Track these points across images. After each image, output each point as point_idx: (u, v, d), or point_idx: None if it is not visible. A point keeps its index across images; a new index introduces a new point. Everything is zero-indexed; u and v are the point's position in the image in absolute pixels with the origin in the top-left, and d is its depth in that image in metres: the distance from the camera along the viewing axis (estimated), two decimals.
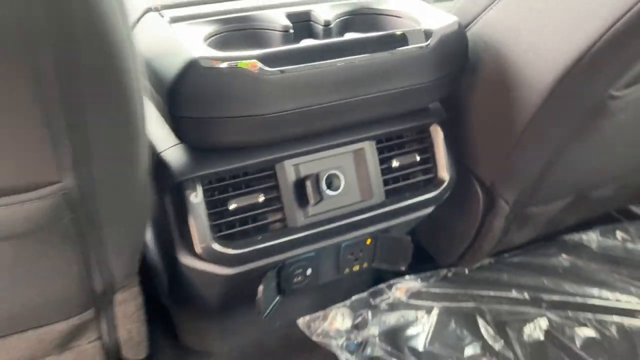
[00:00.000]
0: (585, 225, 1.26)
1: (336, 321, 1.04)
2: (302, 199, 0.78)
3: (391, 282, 1.10)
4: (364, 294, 1.08)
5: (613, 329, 1.02)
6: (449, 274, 1.14)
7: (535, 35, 0.75)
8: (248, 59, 0.62)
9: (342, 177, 0.79)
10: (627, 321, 1.03)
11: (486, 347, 1.00)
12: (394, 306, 1.07)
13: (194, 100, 0.64)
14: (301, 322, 1.04)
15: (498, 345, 1.00)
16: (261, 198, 0.76)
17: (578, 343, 1.01)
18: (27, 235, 0.55)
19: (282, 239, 0.78)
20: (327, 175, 0.78)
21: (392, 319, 1.04)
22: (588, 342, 1.01)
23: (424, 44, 0.73)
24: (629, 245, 1.24)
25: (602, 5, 0.68)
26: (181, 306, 0.95)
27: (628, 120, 0.84)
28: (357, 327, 1.03)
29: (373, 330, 1.02)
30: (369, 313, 1.05)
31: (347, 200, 0.82)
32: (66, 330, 0.70)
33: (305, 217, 0.79)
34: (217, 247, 0.73)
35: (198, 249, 0.73)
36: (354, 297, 1.07)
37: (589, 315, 1.06)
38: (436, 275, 1.13)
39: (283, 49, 0.68)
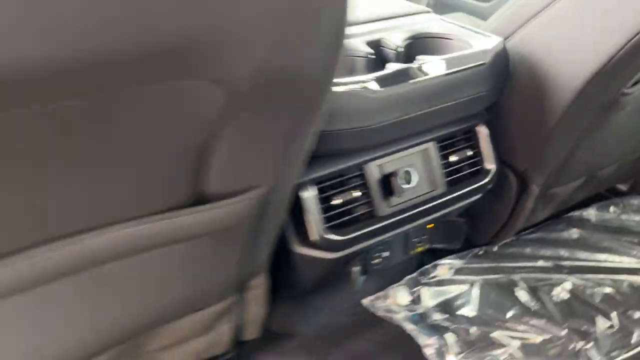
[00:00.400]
0: (583, 204, 1.48)
1: (396, 298, 1.21)
2: (385, 193, 0.95)
3: (435, 262, 1.28)
4: (414, 274, 1.26)
5: (624, 285, 1.23)
6: (481, 252, 1.33)
7: (565, 49, 0.95)
8: (365, 81, 0.79)
9: (414, 172, 0.97)
10: (635, 278, 1.25)
11: (524, 309, 1.19)
12: (441, 282, 1.24)
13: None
14: (366, 301, 1.21)
15: (534, 306, 1.19)
16: (355, 193, 0.92)
17: (597, 299, 1.21)
18: (213, 234, 0.69)
19: (373, 226, 0.95)
20: (403, 171, 0.96)
21: (441, 292, 1.22)
22: (605, 298, 1.21)
23: (483, 62, 0.92)
24: (623, 216, 1.47)
25: (620, 25, 0.88)
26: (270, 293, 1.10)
27: (632, 111, 1.05)
28: (413, 301, 1.21)
29: (428, 302, 1.20)
30: (422, 289, 1.22)
31: (418, 192, 0.99)
32: (214, 314, 0.85)
33: (388, 208, 0.96)
34: (327, 235, 0.89)
35: (313, 238, 0.89)
36: (406, 278, 1.25)
37: (602, 276, 1.26)
38: (471, 254, 1.31)
39: (390, 71, 0.85)
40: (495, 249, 1.33)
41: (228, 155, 0.57)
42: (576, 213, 1.46)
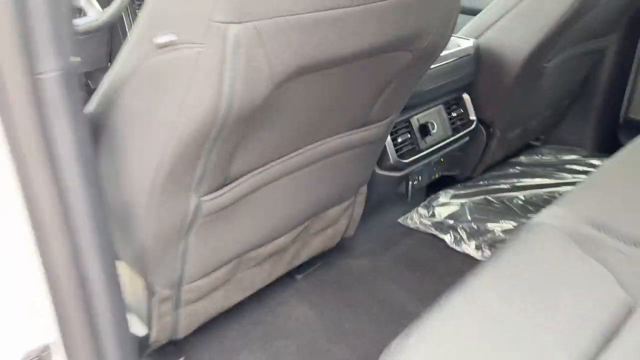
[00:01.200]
0: (516, 155, 2.20)
1: (420, 215, 1.84)
2: (422, 135, 1.58)
3: (437, 193, 1.93)
4: (426, 202, 1.89)
5: (548, 194, 1.94)
6: (464, 184, 1.99)
7: (511, 42, 1.64)
8: None
9: (435, 123, 1.62)
10: (553, 189, 1.96)
11: (498, 211, 1.86)
12: (444, 204, 1.89)
13: None
14: (401, 220, 1.82)
15: (503, 209, 1.86)
16: (408, 136, 1.55)
17: (539, 201, 1.91)
18: (366, 145, 1.27)
19: (417, 156, 1.57)
20: (429, 122, 1.60)
21: (448, 210, 1.86)
22: (540, 200, 1.91)
23: (468, 54, 1.59)
24: (543, 158, 2.21)
25: (542, 24, 1.57)
26: None
27: (548, 79, 1.77)
28: (432, 216, 1.84)
29: (441, 215, 1.83)
30: (435, 208, 1.86)
31: (437, 136, 1.63)
32: (341, 210, 1.42)
33: (425, 144, 1.59)
34: (396, 160, 1.51)
35: (390, 162, 1.49)
36: (422, 203, 1.88)
37: (537, 190, 1.97)
38: (458, 185, 1.97)
39: None
40: (472, 182, 2.01)
41: (390, 94, 1.17)
42: (514, 159, 2.19)
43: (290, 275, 1.55)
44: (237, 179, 0.99)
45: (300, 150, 1.09)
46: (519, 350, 0.79)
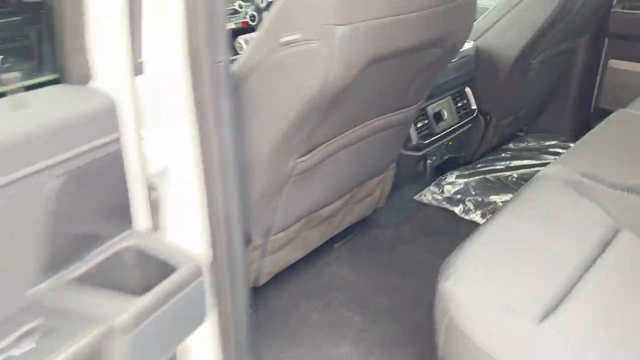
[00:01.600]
0: (505, 143, 2.56)
1: (432, 192, 2.16)
2: (437, 121, 1.92)
3: (445, 174, 2.26)
4: (436, 181, 2.22)
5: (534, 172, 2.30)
6: (466, 166, 2.33)
7: (504, 43, 1.99)
8: None
9: (445, 112, 1.95)
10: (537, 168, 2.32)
11: (496, 187, 2.20)
12: (451, 183, 2.22)
13: None
14: (416, 197, 2.15)
15: (500, 186, 2.21)
16: (425, 122, 1.88)
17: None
18: (402, 125, 1.59)
19: (432, 138, 1.90)
20: (441, 111, 1.93)
21: (455, 187, 2.19)
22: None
23: (470, 54, 1.93)
24: (529, 145, 2.57)
25: (528, 28, 1.93)
26: None
27: (534, 74, 2.13)
28: (442, 192, 2.17)
29: (449, 192, 2.17)
30: (444, 186, 2.19)
31: (447, 123, 1.97)
32: (377, 181, 1.73)
33: (438, 129, 1.92)
34: (418, 141, 1.83)
35: (413, 143, 1.82)
36: (432, 182, 2.21)
37: (525, 170, 2.32)
38: (462, 167, 2.31)
39: None
40: (472, 165, 2.35)
41: (420, 84, 1.50)
42: (505, 146, 2.54)
43: (330, 242, 1.85)
44: (316, 147, 1.29)
45: (357, 127, 1.40)
46: (539, 254, 1.11)
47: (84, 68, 0.76)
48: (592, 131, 1.67)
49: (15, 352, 0.60)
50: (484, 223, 1.23)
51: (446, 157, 2.10)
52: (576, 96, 2.55)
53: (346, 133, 1.36)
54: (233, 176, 1.01)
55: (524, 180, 2.24)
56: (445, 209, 2.10)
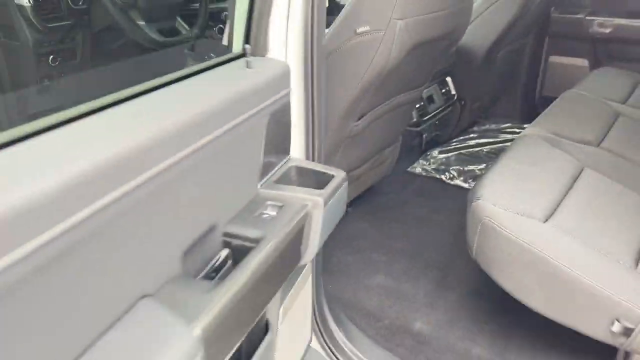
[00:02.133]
0: (470, 126, 3.07)
1: (420, 164, 2.62)
2: (429, 103, 2.37)
3: (430, 150, 2.72)
4: (423, 156, 2.68)
5: (499, 149, 2.81)
6: (446, 145, 2.80)
7: (478, 39, 2.48)
8: None
9: (435, 96, 2.42)
10: (503, 144, 2.84)
11: (473, 160, 2.68)
12: (435, 157, 2.68)
13: None
14: (409, 169, 2.59)
15: (475, 160, 2.70)
16: (421, 103, 2.33)
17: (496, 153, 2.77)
18: (412, 105, 2.03)
19: (428, 116, 2.36)
20: (432, 95, 2.39)
21: (439, 161, 2.66)
22: (497, 150, 2.77)
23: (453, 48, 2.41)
24: (489, 127, 3.09)
25: (498, 24, 2.43)
26: None
27: (497, 65, 2.64)
28: (429, 164, 2.62)
29: (436, 164, 2.63)
30: (431, 159, 2.65)
31: (436, 105, 2.43)
32: (389, 153, 2.16)
33: (430, 110, 2.38)
34: (419, 118, 2.28)
35: (415, 119, 2.26)
36: (421, 157, 2.66)
37: (491, 146, 2.83)
38: (443, 145, 2.78)
39: None
40: (448, 143, 2.83)
41: (431, 67, 1.94)
42: (470, 129, 3.05)
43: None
44: (365, 114, 1.70)
45: (389, 101, 1.82)
46: (535, 182, 1.58)
47: (265, 43, 1.13)
48: (552, 104, 2.18)
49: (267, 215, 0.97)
50: (492, 164, 1.69)
51: (434, 133, 2.56)
52: (524, 86, 3.10)
53: (381, 105, 1.78)
54: (324, 128, 1.40)
55: (492, 153, 2.75)
56: (434, 178, 2.56)
